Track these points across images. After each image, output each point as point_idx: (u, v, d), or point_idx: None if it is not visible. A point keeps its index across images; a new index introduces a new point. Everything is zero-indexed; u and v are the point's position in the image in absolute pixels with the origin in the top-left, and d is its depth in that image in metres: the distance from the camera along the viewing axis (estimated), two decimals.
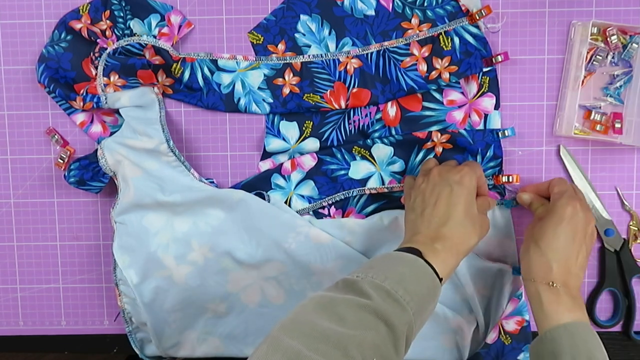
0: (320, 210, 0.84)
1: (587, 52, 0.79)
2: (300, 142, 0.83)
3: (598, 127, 0.81)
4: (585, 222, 0.74)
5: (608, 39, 0.79)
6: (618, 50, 0.81)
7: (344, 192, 0.83)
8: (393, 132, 0.83)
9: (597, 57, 0.80)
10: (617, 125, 0.80)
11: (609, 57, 0.81)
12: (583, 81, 0.80)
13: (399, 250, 0.69)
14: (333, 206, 0.84)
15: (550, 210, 0.75)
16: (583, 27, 0.79)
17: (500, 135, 0.82)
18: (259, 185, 0.83)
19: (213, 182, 0.83)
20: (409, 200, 0.77)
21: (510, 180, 0.81)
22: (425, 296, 0.64)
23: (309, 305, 0.61)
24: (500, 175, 0.82)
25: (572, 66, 0.81)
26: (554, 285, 0.72)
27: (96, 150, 0.81)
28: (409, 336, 0.61)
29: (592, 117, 0.81)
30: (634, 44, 0.80)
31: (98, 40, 0.81)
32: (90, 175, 0.80)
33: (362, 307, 0.59)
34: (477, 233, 0.73)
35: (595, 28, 0.80)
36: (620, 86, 0.81)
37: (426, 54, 0.81)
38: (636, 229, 0.84)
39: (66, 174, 0.80)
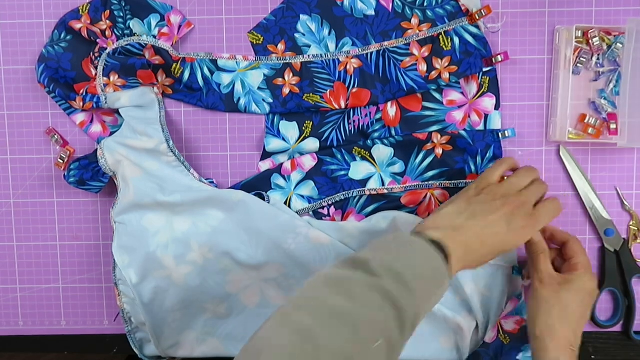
0: (320, 211, 0.84)
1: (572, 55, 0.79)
2: (300, 142, 0.83)
3: (590, 131, 0.81)
4: (595, 293, 0.76)
5: (590, 41, 0.79)
6: (602, 52, 0.81)
7: (344, 193, 0.83)
8: (393, 132, 0.83)
9: (581, 59, 0.80)
10: (612, 127, 0.80)
11: (594, 59, 0.81)
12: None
13: (414, 232, 0.68)
14: (333, 206, 0.84)
15: (577, 282, 0.75)
16: (567, 31, 0.79)
17: (500, 136, 0.82)
18: (258, 185, 0.83)
19: (213, 182, 0.83)
20: (470, 192, 0.74)
21: None
22: (432, 283, 0.63)
23: (319, 281, 0.60)
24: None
25: (560, 71, 0.80)
26: (573, 349, 0.74)
27: (96, 150, 0.81)
28: (414, 321, 0.60)
29: (586, 120, 0.81)
30: (618, 44, 0.80)
31: (98, 40, 0.81)
32: (90, 175, 0.80)
33: (371, 287, 0.58)
34: (513, 244, 0.73)
35: (580, 31, 0.80)
36: (614, 87, 0.81)
37: (426, 54, 0.81)
38: (636, 229, 0.84)
39: (66, 174, 0.80)
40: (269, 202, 0.82)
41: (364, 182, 0.83)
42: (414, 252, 0.64)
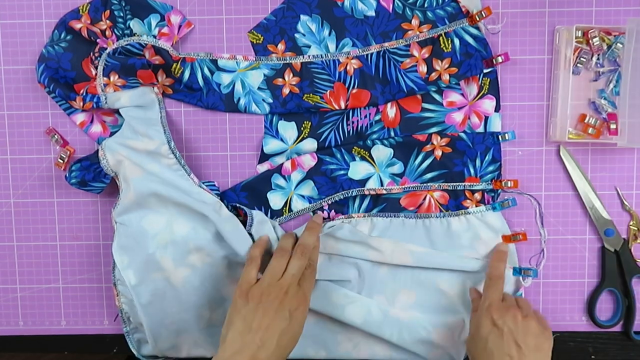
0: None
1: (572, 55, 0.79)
2: (298, 142, 0.83)
3: (590, 131, 0.81)
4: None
5: (590, 41, 0.79)
6: (602, 52, 0.81)
7: (343, 192, 0.83)
8: (392, 133, 0.83)
9: (582, 59, 0.80)
10: (612, 127, 0.80)
11: (594, 59, 0.81)
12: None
13: None
14: (333, 211, 0.83)
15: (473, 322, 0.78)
16: (567, 31, 0.79)
17: (500, 139, 0.82)
18: (259, 185, 0.83)
19: (214, 186, 0.82)
20: (238, 304, 0.73)
21: (510, 185, 0.81)
22: None
23: None
24: (500, 181, 0.82)
25: (560, 71, 0.80)
26: None
27: (97, 150, 0.81)
28: None
29: (586, 120, 0.81)
30: (618, 44, 0.80)
31: (98, 40, 0.81)
32: (91, 176, 0.80)
33: None
34: (301, 324, 0.73)
35: (580, 31, 0.80)
36: (614, 87, 0.81)
37: (426, 56, 0.81)
38: (636, 229, 0.84)
39: (67, 175, 0.80)
40: (252, 220, 0.81)
41: (362, 182, 0.83)
42: None
